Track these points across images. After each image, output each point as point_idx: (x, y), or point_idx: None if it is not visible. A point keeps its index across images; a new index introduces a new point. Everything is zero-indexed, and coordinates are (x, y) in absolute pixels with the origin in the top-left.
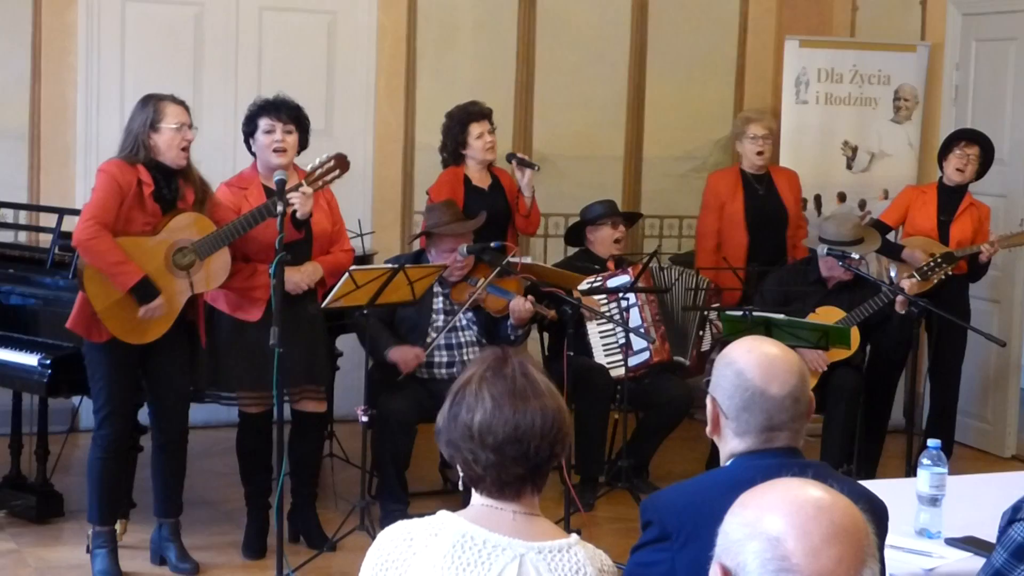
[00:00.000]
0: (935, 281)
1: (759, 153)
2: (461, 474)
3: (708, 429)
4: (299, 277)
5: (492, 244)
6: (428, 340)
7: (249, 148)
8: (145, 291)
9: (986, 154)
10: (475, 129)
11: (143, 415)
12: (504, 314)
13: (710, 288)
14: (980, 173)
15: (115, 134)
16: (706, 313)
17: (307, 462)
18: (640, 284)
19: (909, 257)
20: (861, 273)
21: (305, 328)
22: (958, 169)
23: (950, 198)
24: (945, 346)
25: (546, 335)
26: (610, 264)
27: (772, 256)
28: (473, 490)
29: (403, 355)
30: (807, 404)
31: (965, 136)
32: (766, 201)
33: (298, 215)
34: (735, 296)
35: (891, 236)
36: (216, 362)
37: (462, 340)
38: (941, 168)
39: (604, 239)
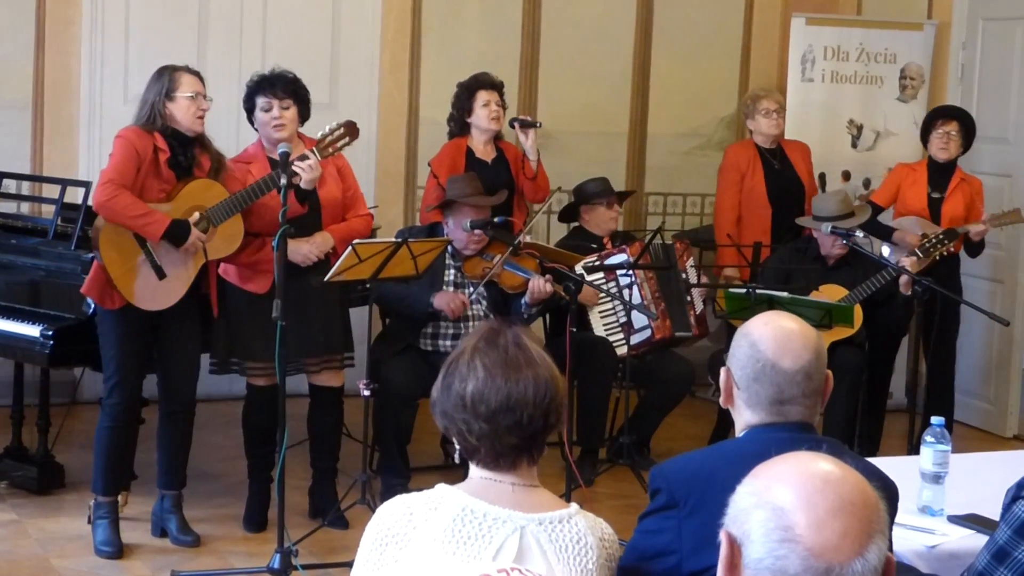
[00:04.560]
0: (936, 258)
1: (775, 126)
2: (458, 447)
3: (722, 399)
4: (308, 248)
5: (495, 219)
6: (469, 292)
7: (253, 125)
8: (178, 232)
9: (966, 128)
10: (482, 97)
11: (146, 388)
12: (518, 291)
13: (677, 248)
14: (965, 147)
15: (119, 105)
16: (683, 275)
17: (326, 437)
18: (640, 261)
19: (900, 241)
20: (864, 251)
21: (320, 299)
22: (941, 148)
23: (940, 175)
24: (940, 325)
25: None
26: (606, 241)
27: (790, 231)
28: (470, 463)
29: (449, 299)
30: (821, 381)
31: (942, 114)
32: (784, 176)
33: (302, 184)
34: (744, 273)
35: (885, 216)
36: (230, 333)
37: (469, 314)
38: (926, 147)
39: (600, 219)
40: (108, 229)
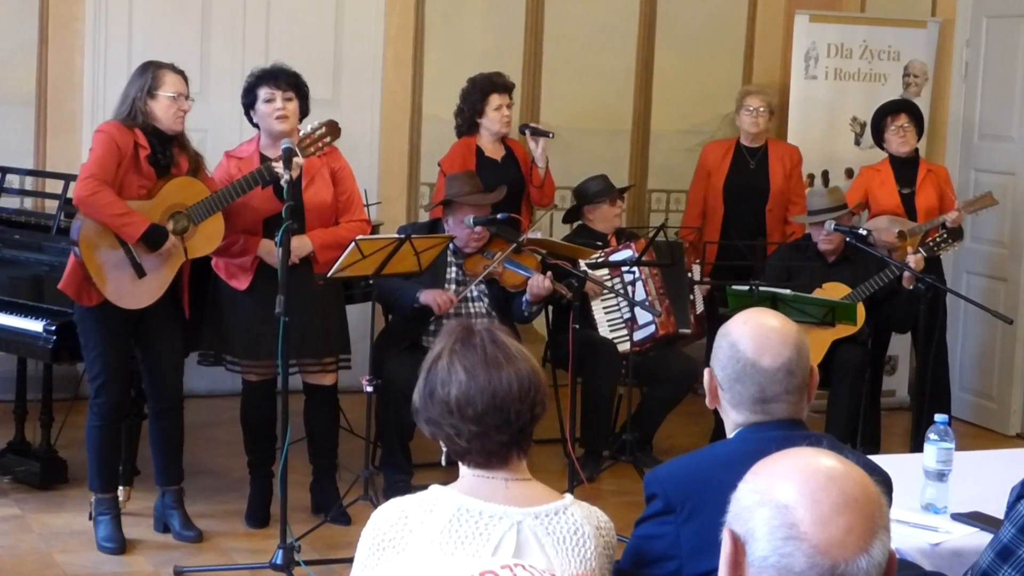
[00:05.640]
0: (940, 256)
1: (753, 124)
2: (445, 449)
3: (707, 400)
4: None
5: (499, 216)
6: (459, 290)
7: (251, 120)
8: (156, 237)
9: (916, 118)
10: (495, 100)
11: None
12: (520, 289)
13: (685, 248)
14: (919, 136)
15: None
16: (689, 274)
17: (320, 434)
18: (644, 258)
19: (876, 241)
20: (865, 248)
21: (300, 300)
22: (901, 141)
23: (906, 170)
24: (934, 321)
25: (551, 308)
26: (611, 239)
27: (748, 230)
28: (460, 463)
29: (436, 296)
30: (804, 376)
31: (890, 109)
32: (752, 175)
33: (281, 182)
34: (708, 270)
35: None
36: (216, 327)
37: (472, 311)
38: (884, 148)
39: (605, 216)
40: (89, 225)
